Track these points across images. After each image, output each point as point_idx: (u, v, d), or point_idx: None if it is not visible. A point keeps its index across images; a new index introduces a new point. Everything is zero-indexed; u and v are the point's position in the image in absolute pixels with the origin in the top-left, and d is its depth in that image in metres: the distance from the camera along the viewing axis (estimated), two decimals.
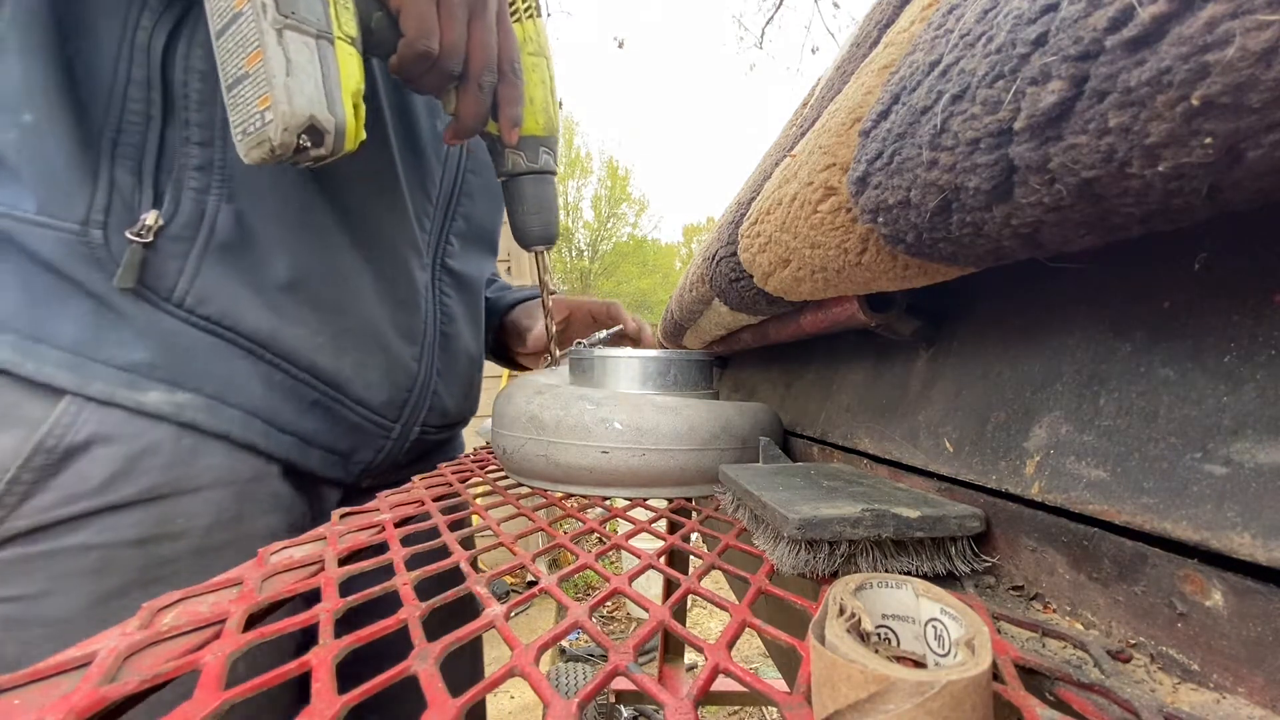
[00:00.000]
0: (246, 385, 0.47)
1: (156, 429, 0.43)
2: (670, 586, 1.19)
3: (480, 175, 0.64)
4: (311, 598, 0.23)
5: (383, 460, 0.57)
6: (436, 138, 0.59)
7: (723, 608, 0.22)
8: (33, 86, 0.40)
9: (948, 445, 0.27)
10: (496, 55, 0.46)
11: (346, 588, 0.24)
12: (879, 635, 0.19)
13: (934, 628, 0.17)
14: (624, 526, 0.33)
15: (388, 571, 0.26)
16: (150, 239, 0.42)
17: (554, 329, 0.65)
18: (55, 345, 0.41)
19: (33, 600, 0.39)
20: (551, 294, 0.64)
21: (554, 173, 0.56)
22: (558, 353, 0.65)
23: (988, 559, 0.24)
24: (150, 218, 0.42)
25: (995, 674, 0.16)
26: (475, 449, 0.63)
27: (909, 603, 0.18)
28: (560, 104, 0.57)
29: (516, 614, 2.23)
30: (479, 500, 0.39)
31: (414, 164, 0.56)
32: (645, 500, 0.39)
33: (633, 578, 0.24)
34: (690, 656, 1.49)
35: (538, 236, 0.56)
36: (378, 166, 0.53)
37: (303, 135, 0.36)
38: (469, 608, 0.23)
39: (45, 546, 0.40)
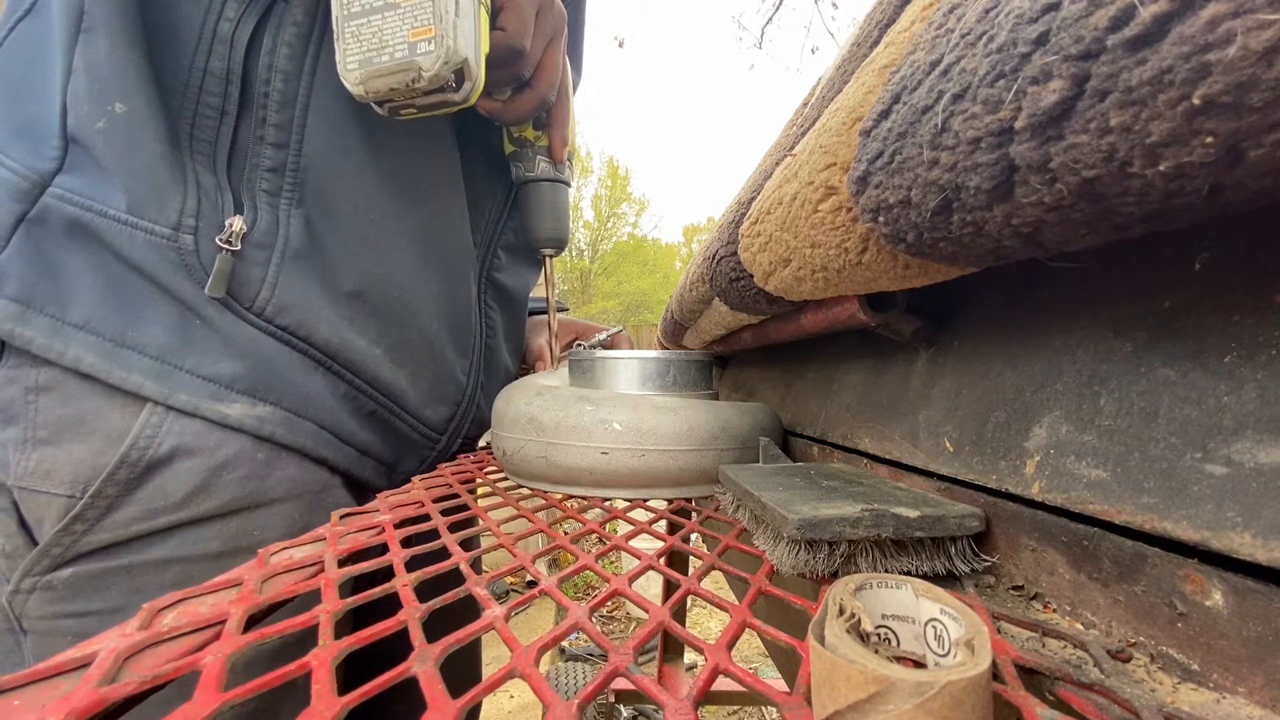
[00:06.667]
0: (319, 397, 0.46)
1: (236, 441, 0.42)
2: (670, 587, 1.19)
3: None
4: (311, 599, 0.23)
5: (423, 471, 0.57)
6: (495, 151, 0.59)
7: (723, 608, 0.22)
8: (122, 71, 0.38)
9: (948, 445, 0.27)
10: (560, 78, 0.49)
11: (347, 589, 0.24)
12: (879, 635, 0.19)
13: (934, 628, 0.17)
14: (624, 527, 0.33)
15: (388, 573, 0.26)
16: (238, 246, 0.41)
17: (556, 326, 0.65)
18: (142, 352, 0.39)
19: (108, 616, 0.38)
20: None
21: (570, 183, 0.60)
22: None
23: (988, 559, 0.24)
24: (236, 223, 0.41)
25: (995, 674, 0.16)
26: (475, 450, 0.63)
27: (909, 603, 0.18)
28: None
29: (516, 614, 2.23)
30: (479, 502, 0.39)
31: (472, 175, 0.56)
32: (645, 501, 0.39)
33: (633, 578, 0.24)
34: (690, 656, 1.49)
35: (550, 239, 0.59)
36: (444, 174, 0.52)
37: (455, 74, 0.37)
38: (469, 609, 0.23)
39: (124, 561, 0.39)
